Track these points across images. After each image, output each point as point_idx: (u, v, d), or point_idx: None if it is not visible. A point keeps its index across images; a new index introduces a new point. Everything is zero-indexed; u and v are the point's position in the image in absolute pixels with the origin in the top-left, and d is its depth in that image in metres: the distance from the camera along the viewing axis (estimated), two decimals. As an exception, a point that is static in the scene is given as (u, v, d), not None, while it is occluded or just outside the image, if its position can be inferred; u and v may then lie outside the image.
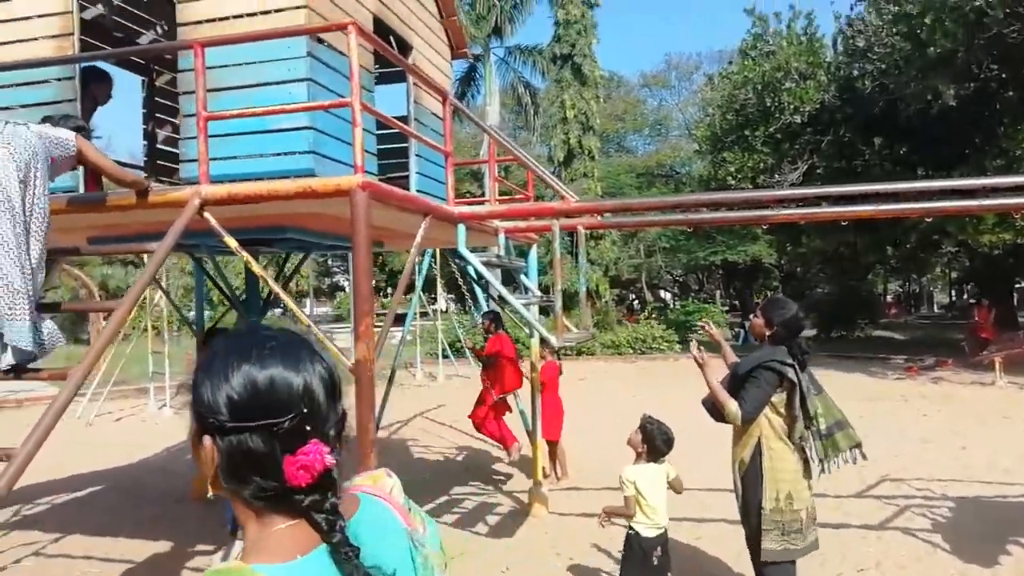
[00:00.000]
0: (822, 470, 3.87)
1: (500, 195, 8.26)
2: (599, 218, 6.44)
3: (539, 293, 6.87)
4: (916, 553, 5.29)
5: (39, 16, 5.03)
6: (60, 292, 21.67)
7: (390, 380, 8.15)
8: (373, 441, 3.74)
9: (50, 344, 3.43)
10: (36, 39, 5.03)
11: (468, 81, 27.92)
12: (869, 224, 17.60)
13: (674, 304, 36.36)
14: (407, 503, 1.18)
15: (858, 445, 3.89)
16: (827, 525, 5.18)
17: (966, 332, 18.92)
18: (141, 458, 9.04)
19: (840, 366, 16.73)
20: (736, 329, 25.39)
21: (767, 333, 3.87)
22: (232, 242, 3.94)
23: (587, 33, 23.40)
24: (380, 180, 4.52)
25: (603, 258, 23.91)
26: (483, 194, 19.86)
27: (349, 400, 1.09)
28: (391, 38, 6.05)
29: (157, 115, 7.23)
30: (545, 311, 12.45)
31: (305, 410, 0.98)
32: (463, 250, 4.99)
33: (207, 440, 0.99)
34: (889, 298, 47.81)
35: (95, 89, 5.39)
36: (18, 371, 3.30)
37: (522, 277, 6.85)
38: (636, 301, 38.35)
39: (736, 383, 3.84)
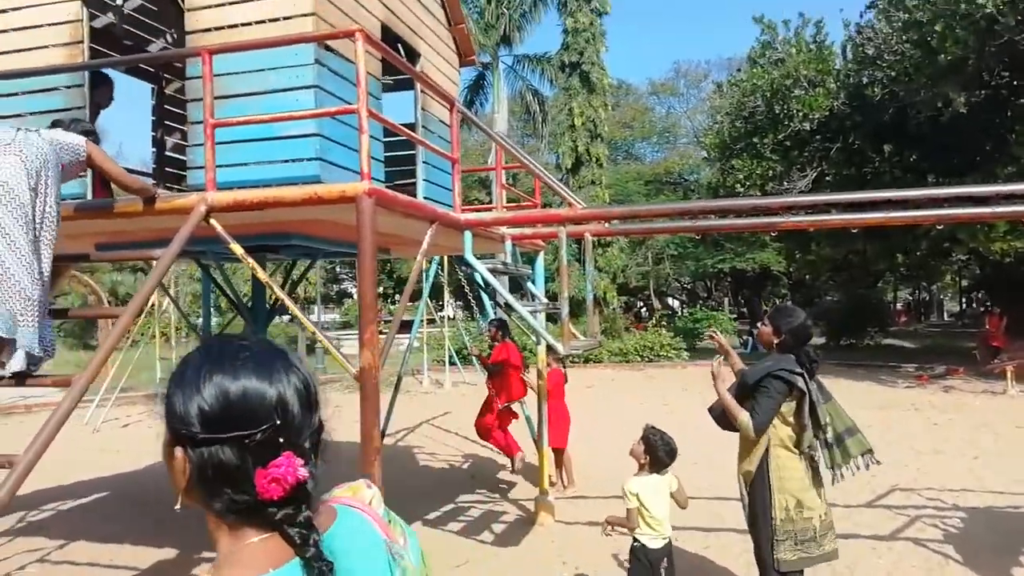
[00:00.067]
0: (832, 479, 3.83)
1: (508, 202, 8.25)
2: (606, 225, 6.42)
3: (546, 300, 6.85)
4: (927, 565, 5.22)
5: (49, 24, 5.07)
6: (70, 298, 21.78)
7: (396, 387, 8.13)
8: (378, 448, 3.72)
9: (51, 350, 3.45)
10: (46, 47, 5.07)
11: (477, 89, 27.97)
12: (879, 232, 17.53)
13: (682, 312, 36.26)
14: (387, 515, 1.16)
15: (869, 451, 3.86)
16: (837, 535, 5.12)
17: (977, 340, 18.80)
18: (147, 464, 9.05)
19: (850, 374, 16.63)
20: (744, 337, 25.29)
21: (775, 341, 3.85)
22: (238, 248, 3.94)
23: (596, 41, 23.43)
24: (388, 187, 4.51)
25: (611, 265, 23.87)
26: (491, 201, 19.87)
27: (328, 411, 1.07)
28: (399, 46, 6.07)
29: (166, 123, 7.26)
30: (553, 318, 12.43)
31: (278, 422, 0.96)
32: (469, 257, 4.98)
33: (178, 451, 0.97)
34: (899, 306, 47.53)
35: (97, 94, 5.42)
36: (19, 377, 3.30)
37: (529, 284, 6.83)
38: (644, 308, 38.27)
39: (744, 392, 3.81)
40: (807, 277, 31.38)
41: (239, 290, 7.86)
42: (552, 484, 7.01)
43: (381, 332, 5.09)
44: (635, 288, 34.79)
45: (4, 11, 5.13)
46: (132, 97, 8.18)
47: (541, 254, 7.35)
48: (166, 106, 7.29)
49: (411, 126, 6.26)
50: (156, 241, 4.26)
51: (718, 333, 4.50)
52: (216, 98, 4.19)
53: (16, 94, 4.99)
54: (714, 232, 23.50)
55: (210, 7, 4.77)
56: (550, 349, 6.41)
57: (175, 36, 6.99)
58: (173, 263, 4.06)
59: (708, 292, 43.10)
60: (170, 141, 7.22)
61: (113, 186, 4.55)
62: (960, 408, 12.30)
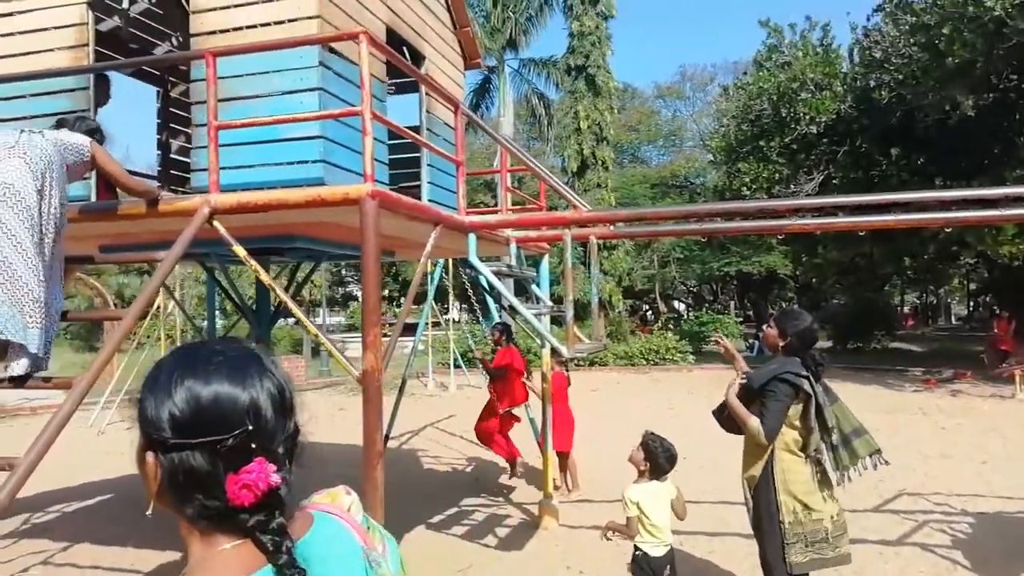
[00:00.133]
0: (837, 480, 3.80)
1: (513, 205, 8.24)
2: (611, 228, 6.40)
3: (550, 303, 6.83)
4: (935, 570, 5.18)
5: (55, 28, 5.08)
6: (76, 301, 21.87)
7: (400, 390, 8.12)
8: (380, 452, 3.70)
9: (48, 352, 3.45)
10: (52, 50, 5.08)
11: (482, 92, 28.01)
12: (886, 235, 17.46)
13: (688, 315, 36.16)
14: (365, 521, 1.14)
15: (877, 451, 3.83)
16: (843, 541, 5.08)
17: (985, 344, 18.69)
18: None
19: (856, 378, 16.55)
20: (750, 340, 25.21)
21: (780, 344, 3.83)
22: (241, 251, 3.93)
23: (601, 44, 23.43)
24: (393, 190, 4.51)
25: (616, 268, 23.84)
26: (496, 205, 19.86)
27: (304, 416, 1.05)
28: (404, 48, 6.07)
29: (171, 126, 7.29)
30: (558, 321, 12.40)
31: (251, 427, 0.95)
32: (474, 259, 4.96)
33: (149, 456, 0.96)
34: (906, 310, 47.35)
35: (95, 92, 5.43)
36: (19, 380, 3.29)
37: (533, 287, 6.81)
38: (650, 312, 38.22)
39: (750, 396, 3.79)
40: (814, 280, 31.28)
41: (244, 293, 7.86)
42: (556, 488, 6.98)
43: (384, 335, 5.08)
44: (641, 291, 34.75)
45: (10, 14, 5.14)
46: (138, 100, 8.19)
47: (546, 257, 7.33)
48: (171, 109, 7.31)
49: (416, 129, 6.26)
50: (160, 243, 4.26)
51: (724, 339, 4.48)
52: (220, 100, 4.19)
53: (22, 97, 5.00)
54: (720, 235, 23.48)
55: (215, 10, 4.78)
56: (554, 352, 6.38)
57: (180, 39, 7.01)
58: (176, 265, 4.05)
59: (714, 295, 43.04)
60: (175, 144, 7.24)
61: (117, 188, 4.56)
62: (968, 412, 12.22)
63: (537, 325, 5.44)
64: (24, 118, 4.85)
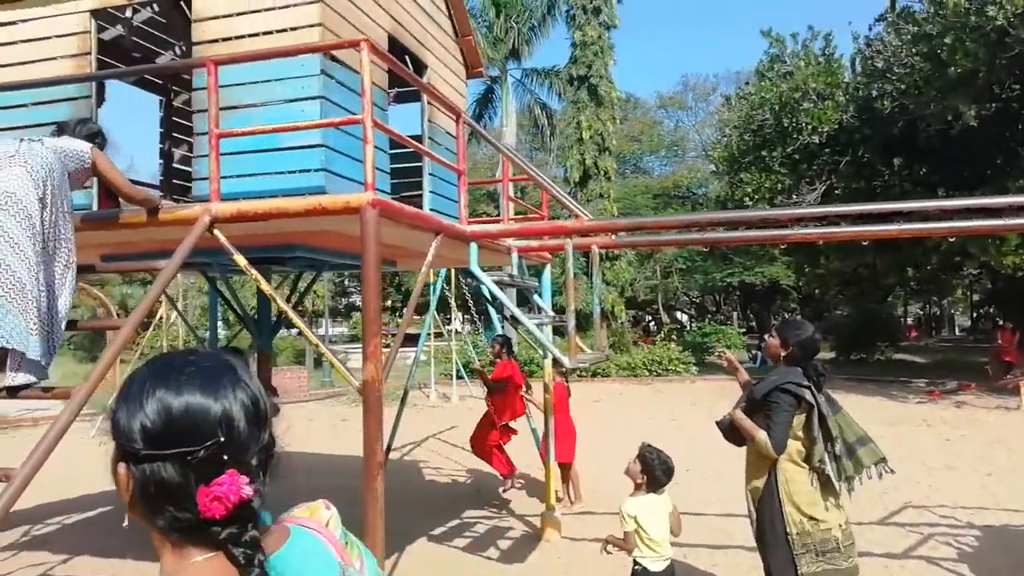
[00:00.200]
0: (840, 489, 3.75)
1: (515, 215, 8.23)
2: (613, 237, 6.37)
3: (552, 313, 6.80)
4: (941, 584, 5.12)
5: (57, 36, 5.09)
6: (80, 311, 21.88)
7: (402, 400, 8.08)
8: (380, 462, 3.66)
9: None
10: (54, 59, 5.09)
11: (485, 103, 28.12)
12: (889, 245, 17.41)
13: (691, 326, 36.09)
14: (344, 537, 1.13)
15: (883, 460, 3.79)
16: (848, 553, 5.03)
17: (989, 355, 18.62)
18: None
19: (860, 389, 16.48)
20: (753, 351, 25.15)
21: (782, 354, 3.82)
22: (241, 260, 3.91)
23: (604, 54, 23.47)
24: (394, 199, 4.49)
25: (619, 279, 23.81)
26: (499, 215, 19.85)
27: (281, 427, 1.04)
28: (406, 57, 6.07)
29: (174, 135, 7.30)
30: (560, 332, 12.36)
31: (222, 439, 0.93)
32: (475, 269, 4.94)
33: (121, 467, 0.95)
34: (909, 321, 47.22)
35: None
36: (18, 390, 3.27)
37: (535, 297, 6.79)
38: (652, 322, 38.16)
39: (753, 407, 3.77)
40: (816, 291, 31.23)
41: (247, 303, 7.84)
42: (559, 500, 6.94)
43: (386, 345, 5.06)
44: (643, 302, 34.72)
45: (12, 23, 5.15)
46: (141, 110, 8.22)
47: (548, 267, 7.31)
48: (174, 118, 7.32)
49: (418, 138, 6.26)
50: (161, 253, 4.25)
51: (727, 352, 4.47)
52: (222, 109, 4.19)
53: (23, 106, 5.00)
54: (722, 245, 23.43)
55: (217, 18, 4.79)
56: (555, 362, 6.35)
57: (184, 48, 7.03)
58: (179, 275, 4.04)
59: (717, 306, 42.96)
60: (177, 153, 7.24)
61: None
62: (973, 424, 12.15)
63: (539, 335, 5.41)
64: (26, 127, 4.84)
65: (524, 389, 7.66)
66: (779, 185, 18.61)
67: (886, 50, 16.17)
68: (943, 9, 13.75)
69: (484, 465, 9.10)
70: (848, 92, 17.77)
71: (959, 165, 16.22)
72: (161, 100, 7.41)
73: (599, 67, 23.31)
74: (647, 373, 21.19)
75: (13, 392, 3.27)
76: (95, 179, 4.19)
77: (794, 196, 18.26)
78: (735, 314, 42.12)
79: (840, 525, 3.64)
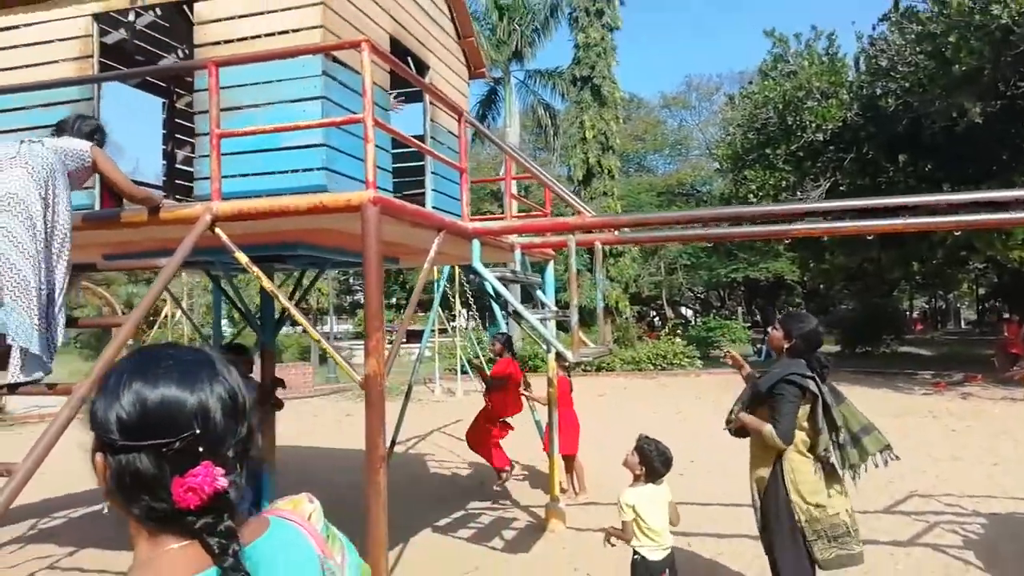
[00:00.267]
0: (844, 475, 3.79)
1: (519, 213, 8.26)
2: (616, 233, 6.39)
3: (555, 308, 6.84)
4: (947, 571, 5.13)
5: (60, 40, 5.13)
6: (85, 310, 21.99)
7: (407, 395, 8.13)
8: (382, 456, 3.70)
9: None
10: (57, 62, 5.13)
11: (489, 103, 28.11)
12: (894, 240, 17.37)
13: (696, 321, 36.09)
14: (326, 530, 1.15)
15: (888, 447, 3.82)
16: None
17: (995, 347, 18.59)
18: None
19: (866, 381, 16.47)
20: (758, 345, 25.15)
21: (785, 345, 3.86)
22: (243, 258, 3.95)
23: (607, 55, 23.44)
24: (398, 198, 4.52)
25: (623, 275, 23.81)
26: (503, 213, 19.86)
27: (255, 419, 1.06)
28: (408, 58, 6.10)
29: (177, 136, 7.34)
30: (564, 327, 12.38)
31: (198, 431, 0.96)
32: (478, 265, 4.97)
33: (99, 457, 0.98)
34: (915, 314, 47.09)
35: None
36: (21, 386, 3.32)
37: (538, 293, 6.82)
38: (657, 318, 38.14)
39: (758, 400, 3.80)
40: (821, 286, 31.18)
41: (251, 301, 7.89)
42: (563, 491, 6.98)
43: (390, 341, 5.09)
44: (648, 298, 34.71)
45: (15, 27, 5.20)
46: (144, 112, 8.26)
47: (551, 263, 7.34)
48: (177, 120, 7.37)
49: (421, 138, 6.29)
50: (163, 251, 4.29)
51: (732, 351, 4.51)
52: (224, 110, 4.23)
53: (25, 108, 5.05)
54: (726, 240, 23.42)
55: (219, 20, 4.82)
56: (558, 356, 6.38)
57: (186, 51, 7.07)
58: (183, 274, 4.08)
59: (722, 301, 42.94)
60: (180, 154, 7.29)
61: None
62: (979, 415, 12.13)
63: (542, 330, 5.45)
64: (28, 129, 4.89)
65: (523, 387, 7.71)
66: (783, 182, 18.58)
67: (890, 49, 16.13)
68: (947, 8, 13.71)
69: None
70: (852, 90, 17.73)
71: (964, 161, 16.18)
72: (164, 102, 7.46)
73: (602, 68, 23.29)
74: (651, 367, 21.19)
75: (14, 388, 3.32)
76: (97, 178, 4.24)
77: (798, 193, 18.23)
78: (740, 309, 42.10)
79: (847, 510, 3.69)
